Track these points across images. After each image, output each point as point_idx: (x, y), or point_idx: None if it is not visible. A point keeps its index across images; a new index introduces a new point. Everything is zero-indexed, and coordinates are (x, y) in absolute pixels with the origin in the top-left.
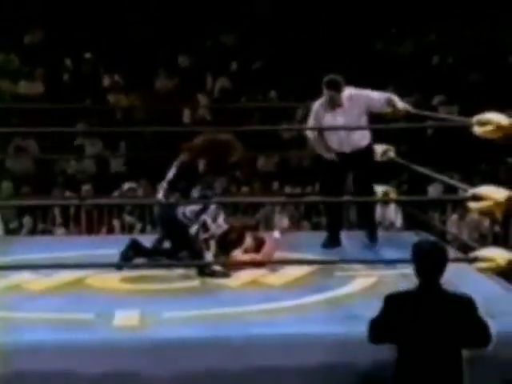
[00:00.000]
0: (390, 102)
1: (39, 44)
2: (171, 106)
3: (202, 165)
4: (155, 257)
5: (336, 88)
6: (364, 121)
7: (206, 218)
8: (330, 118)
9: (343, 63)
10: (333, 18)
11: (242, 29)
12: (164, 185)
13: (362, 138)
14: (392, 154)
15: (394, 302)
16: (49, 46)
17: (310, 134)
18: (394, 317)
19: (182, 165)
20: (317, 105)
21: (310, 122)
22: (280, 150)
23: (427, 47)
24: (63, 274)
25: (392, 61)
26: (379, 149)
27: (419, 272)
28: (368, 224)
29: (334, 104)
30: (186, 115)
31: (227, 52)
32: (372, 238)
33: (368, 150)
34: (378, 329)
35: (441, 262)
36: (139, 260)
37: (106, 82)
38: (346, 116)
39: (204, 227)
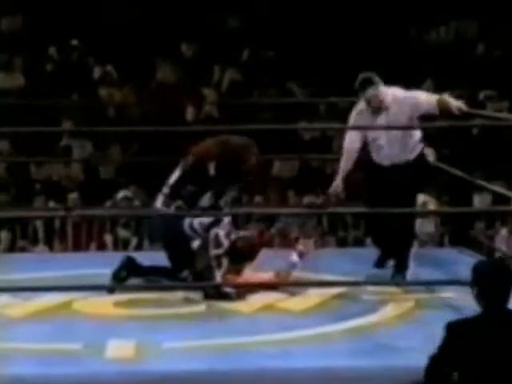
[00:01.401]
0: (442, 105)
1: (19, 30)
2: (172, 102)
3: (212, 168)
4: (153, 277)
5: (373, 84)
6: (413, 130)
7: (219, 231)
8: (372, 123)
9: (372, 51)
10: None
11: (252, 11)
12: (165, 190)
13: (413, 148)
14: (432, 157)
15: (457, 330)
16: (30, 31)
17: (346, 145)
18: (457, 348)
19: (189, 167)
20: (354, 115)
21: (348, 132)
22: (299, 153)
23: (470, 35)
24: (47, 297)
25: (429, 50)
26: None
27: (483, 296)
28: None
29: (375, 105)
30: (190, 112)
31: (237, 38)
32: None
33: (419, 162)
34: (441, 365)
35: (508, 285)
36: (134, 281)
37: (97, 73)
38: (392, 121)
39: (216, 242)
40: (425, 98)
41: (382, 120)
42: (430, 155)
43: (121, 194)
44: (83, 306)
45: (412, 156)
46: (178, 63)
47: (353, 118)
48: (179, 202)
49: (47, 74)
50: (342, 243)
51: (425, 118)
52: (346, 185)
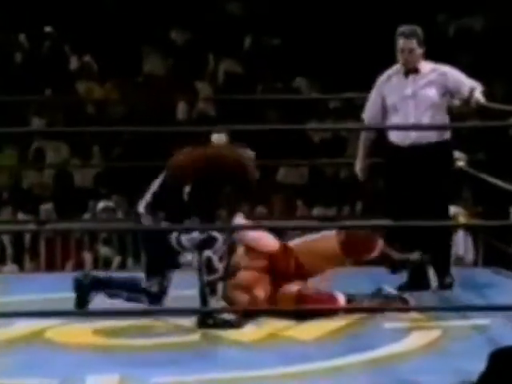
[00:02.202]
0: (469, 99)
1: None
2: (161, 98)
3: (185, 193)
4: (114, 290)
5: (415, 37)
6: (444, 108)
7: (212, 255)
8: (399, 86)
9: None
10: None
11: None
12: (147, 197)
13: (440, 130)
14: (463, 163)
15: (503, 359)
16: None
17: (365, 116)
18: (503, 378)
19: (166, 182)
20: (382, 76)
21: (370, 98)
22: (309, 158)
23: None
24: (16, 324)
25: (458, 38)
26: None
27: None
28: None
29: (409, 64)
30: (181, 110)
31: (236, 25)
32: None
33: (446, 149)
34: None
35: None
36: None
37: (74, 65)
38: (425, 88)
39: (209, 267)
40: (466, 80)
41: (410, 83)
42: (461, 160)
43: (101, 205)
44: (58, 334)
45: (437, 138)
46: (167, 53)
47: (378, 82)
48: (161, 215)
49: (16, 65)
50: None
51: (455, 118)
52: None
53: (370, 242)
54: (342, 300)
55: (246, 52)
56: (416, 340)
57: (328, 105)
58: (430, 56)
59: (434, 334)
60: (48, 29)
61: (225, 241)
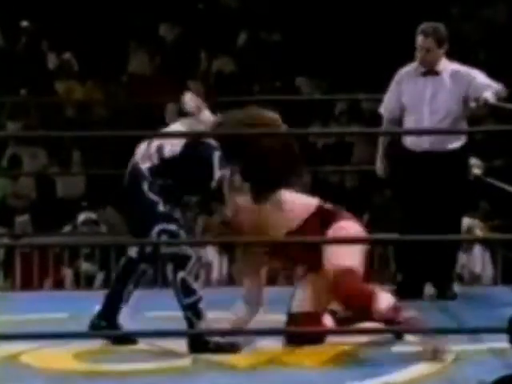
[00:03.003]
0: (484, 102)
1: None
2: (148, 99)
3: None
4: None
5: (435, 37)
6: (465, 110)
7: (185, 276)
8: (416, 87)
9: (405, 36)
10: None
11: None
12: (154, 158)
13: (458, 135)
14: (479, 170)
15: None
16: None
17: (384, 111)
18: None
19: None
20: (401, 71)
21: (387, 93)
22: (311, 164)
23: None
24: None
25: (473, 31)
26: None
27: None
28: (443, 271)
29: (426, 64)
30: (170, 111)
31: (230, 19)
32: (446, 292)
33: (460, 156)
34: None
35: None
36: None
37: (52, 63)
38: (442, 91)
39: (186, 290)
40: (484, 80)
41: (428, 85)
42: (477, 167)
43: (83, 217)
44: (35, 358)
45: (454, 145)
46: (155, 50)
47: (398, 76)
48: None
49: None
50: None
51: (471, 121)
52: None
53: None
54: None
55: (242, 49)
56: (426, 365)
57: (333, 107)
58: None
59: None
60: (24, 23)
61: (198, 258)
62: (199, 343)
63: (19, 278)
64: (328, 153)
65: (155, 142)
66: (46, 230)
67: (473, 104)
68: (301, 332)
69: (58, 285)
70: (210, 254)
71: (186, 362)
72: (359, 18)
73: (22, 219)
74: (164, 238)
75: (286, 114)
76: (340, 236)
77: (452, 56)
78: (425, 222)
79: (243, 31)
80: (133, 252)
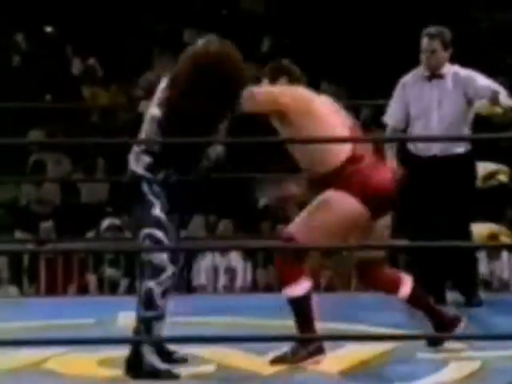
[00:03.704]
0: (494, 97)
1: None
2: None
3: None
4: None
5: (440, 39)
6: (469, 114)
7: (154, 287)
8: (422, 93)
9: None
10: None
11: None
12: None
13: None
14: (503, 177)
15: None
16: None
17: (389, 119)
18: None
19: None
20: (405, 78)
21: (392, 102)
22: None
23: None
24: (14, 353)
25: (494, 35)
26: (482, 169)
27: None
28: (466, 278)
29: (431, 67)
30: None
31: (254, 25)
32: (472, 299)
33: (467, 161)
34: None
35: None
36: None
37: (77, 68)
38: (448, 97)
39: (148, 301)
40: (484, 82)
41: (434, 90)
42: (502, 173)
43: (107, 223)
44: (60, 364)
45: (460, 150)
46: (179, 55)
47: (401, 84)
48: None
49: (13, 68)
50: None
51: (496, 127)
52: None
53: None
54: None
55: (265, 54)
56: (454, 372)
57: (358, 114)
58: (463, 56)
59: (472, 365)
60: (48, 29)
61: (173, 274)
62: (136, 365)
63: (44, 283)
64: None
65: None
66: (70, 236)
67: (478, 103)
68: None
69: (83, 290)
70: (235, 259)
71: (210, 367)
72: (379, 24)
73: (47, 225)
74: (147, 243)
75: None
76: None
77: (468, 58)
78: (434, 226)
79: (267, 37)
80: None
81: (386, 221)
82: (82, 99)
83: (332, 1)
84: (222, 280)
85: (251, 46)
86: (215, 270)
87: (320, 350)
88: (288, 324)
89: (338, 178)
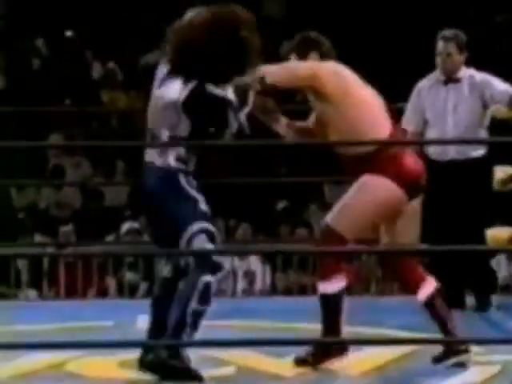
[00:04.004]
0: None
1: None
2: None
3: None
4: None
5: (456, 42)
6: (485, 118)
7: (211, 280)
8: (438, 98)
9: None
10: None
11: None
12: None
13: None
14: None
15: None
16: (12, 20)
17: (406, 125)
18: None
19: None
20: (421, 83)
21: (408, 107)
22: None
23: None
24: (34, 356)
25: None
26: (499, 173)
27: None
28: (478, 282)
29: (447, 70)
30: None
31: (274, 29)
32: (483, 302)
33: (484, 165)
34: None
35: None
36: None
37: (96, 72)
38: (464, 102)
39: (204, 295)
40: (502, 86)
41: (450, 94)
42: (500, 177)
43: (126, 226)
44: (80, 366)
45: (476, 154)
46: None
47: (417, 90)
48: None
49: (33, 73)
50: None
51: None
52: None
53: None
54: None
55: (285, 58)
56: (474, 375)
57: None
58: (479, 59)
59: (491, 369)
60: (68, 33)
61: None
62: (166, 363)
63: (63, 286)
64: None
65: (162, 137)
66: (89, 240)
67: (498, 108)
68: None
69: (102, 294)
70: (254, 263)
71: (231, 369)
72: (402, 27)
73: (66, 229)
74: (203, 236)
75: None
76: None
77: (494, 63)
78: (449, 231)
79: (287, 41)
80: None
81: (416, 203)
82: (102, 103)
83: (350, 5)
84: (241, 283)
85: (271, 49)
86: (234, 273)
87: (342, 350)
88: (306, 327)
89: (376, 160)
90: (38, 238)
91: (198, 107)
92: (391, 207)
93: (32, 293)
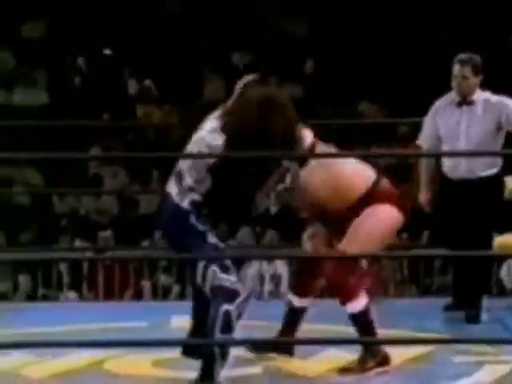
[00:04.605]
0: None
1: (42, 37)
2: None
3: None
4: None
5: (471, 65)
6: (499, 140)
7: (231, 308)
8: (451, 118)
9: None
10: None
11: (317, 14)
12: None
13: (491, 163)
14: None
15: None
16: (54, 39)
17: (423, 142)
18: None
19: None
20: (438, 102)
21: (424, 125)
22: None
23: None
24: (73, 355)
25: None
26: (511, 183)
27: None
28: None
29: (462, 93)
30: None
31: (298, 48)
32: (472, 314)
33: (496, 183)
34: None
35: None
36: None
37: (133, 88)
38: (477, 123)
39: (225, 323)
40: None
41: (463, 116)
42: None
43: (161, 232)
44: (117, 365)
45: (489, 172)
46: (228, 76)
47: (433, 109)
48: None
49: (74, 89)
50: (425, 291)
51: None
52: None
53: None
54: None
55: (310, 75)
56: (488, 374)
57: (396, 130)
58: (495, 81)
59: (505, 368)
60: (107, 52)
61: (248, 298)
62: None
63: (102, 289)
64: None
65: (184, 181)
66: (126, 245)
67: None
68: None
69: (138, 296)
70: (280, 266)
71: (258, 369)
72: (419, 46)
73: (105, 234)
74: (214, 268)
75: (350, 135)
76: (369, 220)
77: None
78: (458, 243)
79: (309, 59)
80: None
81: None
82: (137, 117)
83: (372, 25)
84: (268, 286)
85: (295, 67)
86: (261, 276)
87: (387, 360)
88: (328, 328)
89: (374, 196)
90: (78, 242)
91: (226, 174)
92: (395, 230)
93: (72, 295)
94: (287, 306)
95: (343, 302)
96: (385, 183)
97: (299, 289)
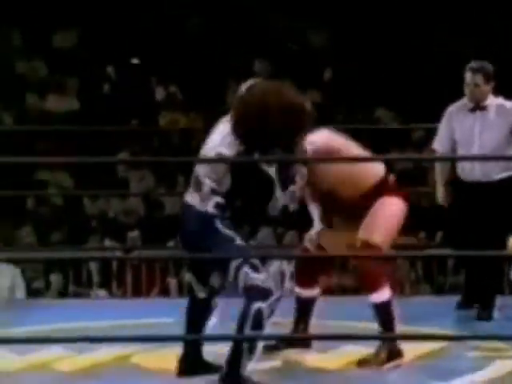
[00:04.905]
0: None
1: (72, 47)
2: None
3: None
4: None
5: (483, 73)
6: (511, 144)
7: (263, 306)
8: (465, 123)
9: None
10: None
11: (336, 25)
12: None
13: (506, 166)
14: None
15: None
16: (85, 48)
17: (437, 146)
18: None
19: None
20: (451, 107)
21: (440, 130)
22: None
23: None
24: (103, 349)
25: None
26: None
27: None
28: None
29: (475, 100)
30: None
31: (318, 56)
32: (485, 313)
33: (510, 186)
34: None
35: None
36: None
37: (160, 95)
38: (490, 128)
39: (256, 321)
40: None
41: (476, 121)
42: None
43: None
44: (144, 359)
45: (504, 175)
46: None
47: (447, 113)
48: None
49: (104, 96)
50: (439, 290)
51: None
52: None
53: None
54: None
55: (327, 83)
56: (501, 369)
57: (411, 136)
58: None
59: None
60: (135, 61)
61: (279, 298)
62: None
63: (130, 286)
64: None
65: (204, 185)
66: (153, 244)
67: None
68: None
69: (164, 293)
70: None
71: (278, 362)
72: (434, 54)
73: (133, 234)
74: (246, 270)
75: (366, 140)
76: (387, 209)
77: None
78: (472, 243)
79: (328, 68)
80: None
81: None
82: (164, 124)
83: (391, 34)
84: (288, 284)
85: (315, 75)
86: (282, 274)
87: (401, 354)
88: (344, 324)
89: (385, 186)
90: (107, 242)
91: (245, 173)
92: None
93: (102, 292)
94: (296, 299)
95: (369, 290)
96: (391, 177)
97: (302, 280)
